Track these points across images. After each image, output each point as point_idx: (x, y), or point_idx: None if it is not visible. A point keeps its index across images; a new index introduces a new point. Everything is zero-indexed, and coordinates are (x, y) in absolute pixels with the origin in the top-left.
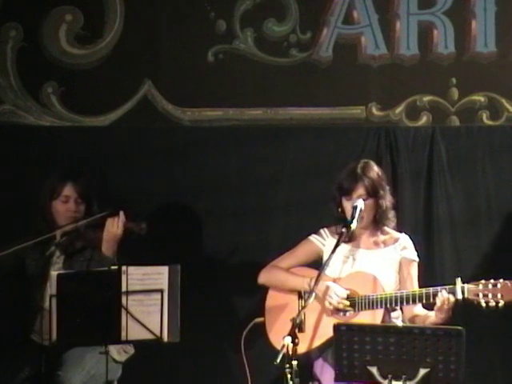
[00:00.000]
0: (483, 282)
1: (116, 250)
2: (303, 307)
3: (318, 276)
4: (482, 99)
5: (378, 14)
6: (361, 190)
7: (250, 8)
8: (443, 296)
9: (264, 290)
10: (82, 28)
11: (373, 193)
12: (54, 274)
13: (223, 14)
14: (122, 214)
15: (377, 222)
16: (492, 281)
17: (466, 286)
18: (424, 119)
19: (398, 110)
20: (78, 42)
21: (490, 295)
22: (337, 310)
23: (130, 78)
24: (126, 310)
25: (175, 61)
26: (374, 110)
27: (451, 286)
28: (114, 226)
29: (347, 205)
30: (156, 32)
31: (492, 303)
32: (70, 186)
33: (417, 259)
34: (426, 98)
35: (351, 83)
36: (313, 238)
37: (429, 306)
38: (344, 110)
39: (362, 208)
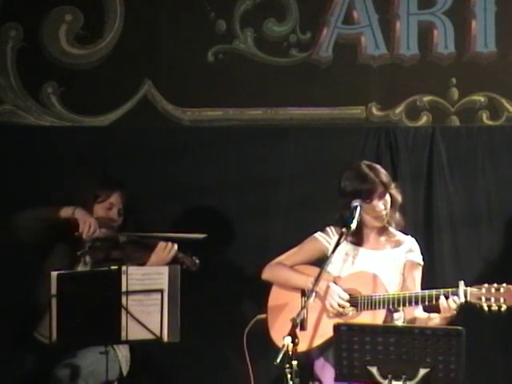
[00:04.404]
0: (486, 285)
1: None
2: (303, 307)
3: (319, 275)
4: (482, 99)
5: (378, 13)
6: (380, 188)
7: (250, 8)
8: (446, 301)
9: (265, 288)
10: (82, 28)
11: (389, 186)
12: (54, 273)
13: (223, 14)
14: (175, 245)
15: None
16: (495, 285)
17: (468, 289)
18: (424, 119)
19: (398, 110)
20: (78, 42)
21: (492, 299)
22: (337, 313)
23: (130, 78)
24: (126, 310)
25: (175, 61)
26: (374, 110)
27: (454, 289)
28: (165, 252)
29: (368, 207)
30: (156, 32)
31: (494, 307)
32: (117, 196)
33: (422, 263)
34: (426, 98)
35: (351, 83)
36: (319, 235)
37: (430, 309)
38: (344, 110)
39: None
